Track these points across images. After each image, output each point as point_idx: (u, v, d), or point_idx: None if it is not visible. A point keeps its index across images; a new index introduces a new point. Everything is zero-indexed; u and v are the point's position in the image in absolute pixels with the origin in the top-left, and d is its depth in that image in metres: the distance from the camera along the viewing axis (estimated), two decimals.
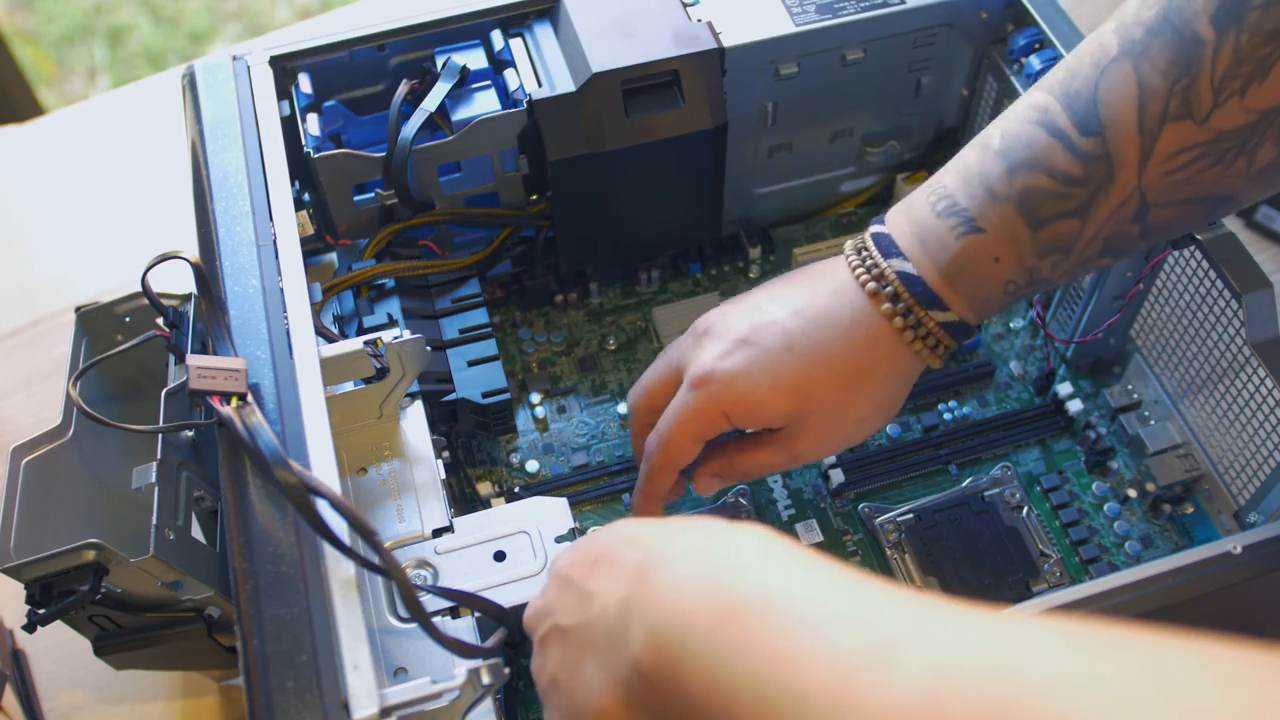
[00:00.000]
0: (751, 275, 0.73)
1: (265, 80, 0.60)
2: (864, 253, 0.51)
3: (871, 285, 0.50)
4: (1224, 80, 0.43)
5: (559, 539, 0.50)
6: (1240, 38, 0.42)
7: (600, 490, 0.63)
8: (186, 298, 0.55)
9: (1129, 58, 0.44)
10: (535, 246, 0.68)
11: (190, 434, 0.54)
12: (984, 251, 0.48)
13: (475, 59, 0.63)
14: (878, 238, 0.51)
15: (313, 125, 0.61)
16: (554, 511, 0.51)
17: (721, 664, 0.33)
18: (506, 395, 0.59)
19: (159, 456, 0.50)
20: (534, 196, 0.66)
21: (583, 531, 0.61)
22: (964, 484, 0.63)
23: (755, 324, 0.51)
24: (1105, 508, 0.62)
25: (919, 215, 0.50)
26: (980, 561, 0.59)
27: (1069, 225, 0.47)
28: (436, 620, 0.44)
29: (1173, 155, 0.44)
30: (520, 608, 0.48)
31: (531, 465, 0.64)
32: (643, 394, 0.56)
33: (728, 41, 0.62)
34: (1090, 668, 0.27)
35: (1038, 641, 0.29)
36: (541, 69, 0.63)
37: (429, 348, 0.52)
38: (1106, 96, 0.45)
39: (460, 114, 0.61)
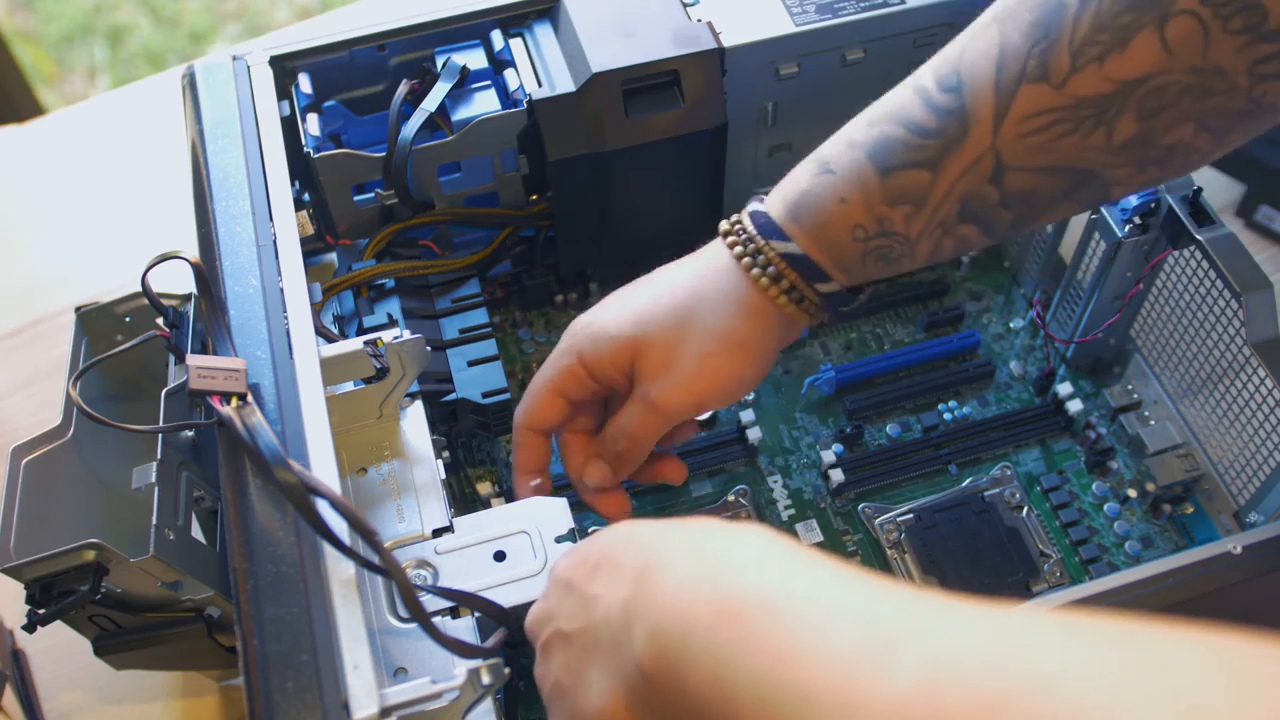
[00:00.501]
0: None
1: (265, 80, 0.60)
2: (743, 234, 0.51)
3: (724, 227, 0.52)
4: (1083, 45, 0.42)
5: (559, 539, 0.50)
6: (1102, 4, 0.42)
7: None
8: (186, 298, 0.55)
9: (997, 21, 0.45)
10: (535, 246, 0.68)
11: (190, 434, 0.54)
12: (832, 191, 0.48)
13: (475, 59, 0.63)
14: (756, 216, 0.51)
15: (313, 125, 0.61)
16: (554, 511, 0.51)
17: (723, 662, 0.33)
18: (506, 395, 0.59)
19: (159, 456, 0.50)
20: (534, 196, 0.66)
21: (583, 532, 0.61)
22: (964, 484, 0.63)
23: (621, 293, 0.54)
24: (1105, 508, 0.62)
25: (796, 188, 0.50)
26: (980, 561, 0.59)
27: (919, 175, 0.47)
28: (436, 620, 0.44)
29: (1028, 117, 0.44)
30: (520, 608, 0.48)
31: None
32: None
33: (728, 41, 0.62)
34: (1091, 661, 0.27)
35: (1038, 635, 0.29)
36: (541, 69, 0.63)
37: (429, 348, 0.52)
38: (968, 55, 0.45)
39: (460, 114, 0.61)
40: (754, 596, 0.34)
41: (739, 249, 0.50)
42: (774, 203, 0.51)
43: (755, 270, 0.50)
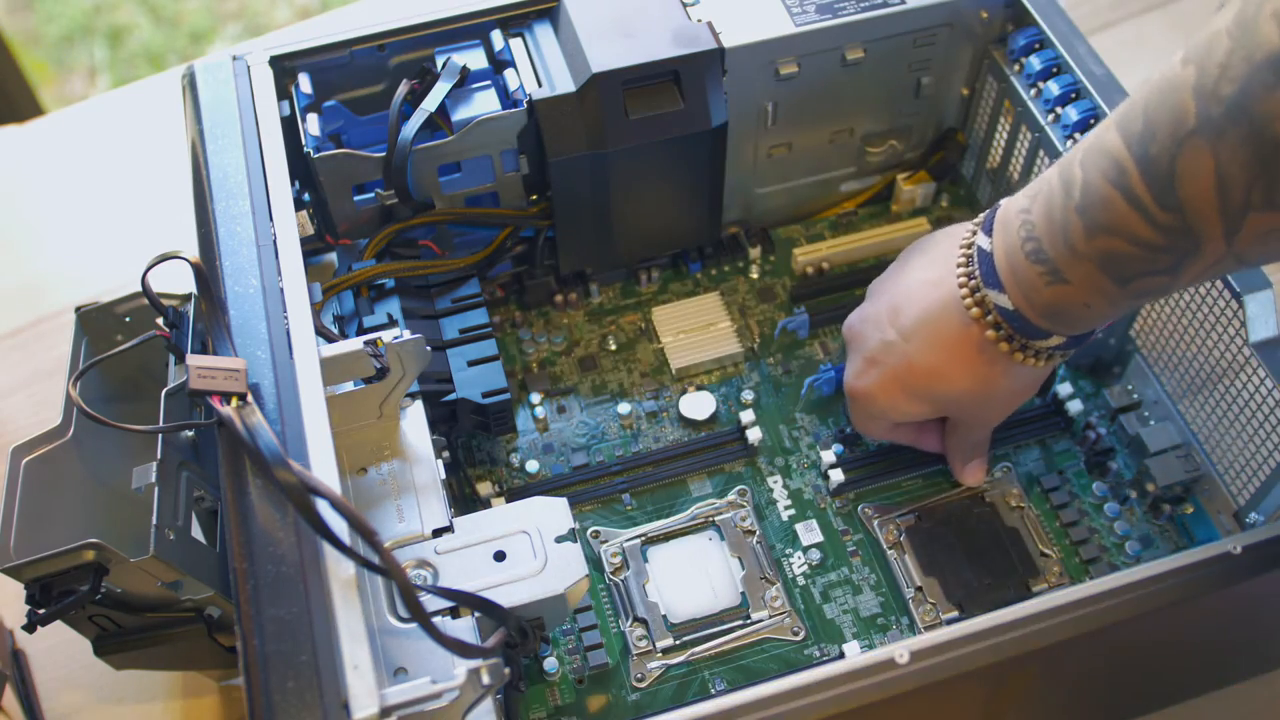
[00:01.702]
0: (752, 275, 0.73)
1: (265, 80, 0.60)
2: (970, 266, 0.52)
3: (975, 310, 0.52)
4: None
5: (559, 539, 0.50)
6: None
7: (600, 490, 0.63)
8: (186, 298, 0.55)
9: (1206, 138, 0.40)
10: (535, 246, 0.68)
11: (190, 434, 0.54)
12: (1074, 299, 0.48)
13: (475, 59, 0.63)
14: (981, 256, 0.51)
15: (313, 125, 0.61)
16: (554, 511, 0.51)
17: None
18: (506, 395, 0.59)
19: (159, 456, 0.50)
20: (534, 196, 0.66)
21: (583, 532, 0.61)
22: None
23: (880, 344, 0.56)
24: (1105, 508, 0.62)
25: (1011, 246, 0.49)
26: (980, 561, 0.59)
27: (1159, 280, 0.46)
28: (436, 620, 0.44)
29: (1261, 235, 0.42)
30: (519, 608, 0.48)
31: (531, 465, 0.64)
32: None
33: (728, 41, 0.62)
34: None
35: None
36: (541, 69, 0.63)
37: (429, 348, 0.52)
38: (1184, 174, 0.41)
39: (460, 114, 0.61)
40: None
41: (1003, 344, 0.52)
42: (1020, 301, 0.50)
43: (1030, 360, 0.52)
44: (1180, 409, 0.60)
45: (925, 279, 0.55)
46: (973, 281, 0.52)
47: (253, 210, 0.54)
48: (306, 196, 0.63)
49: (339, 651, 0.40)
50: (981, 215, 0.53)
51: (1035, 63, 0.63)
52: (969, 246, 0.53)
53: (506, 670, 0.42)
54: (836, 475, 0.62)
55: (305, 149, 0.60)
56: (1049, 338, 0.51)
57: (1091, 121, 0.60)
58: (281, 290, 0.51)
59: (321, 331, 0.54)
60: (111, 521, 0.52)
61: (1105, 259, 0.46)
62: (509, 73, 0.63)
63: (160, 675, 0.63)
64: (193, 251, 0.51)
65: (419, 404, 0.55)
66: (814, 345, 0.69)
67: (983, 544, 0.60)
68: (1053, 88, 0.62)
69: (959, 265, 0.53)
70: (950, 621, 0.57)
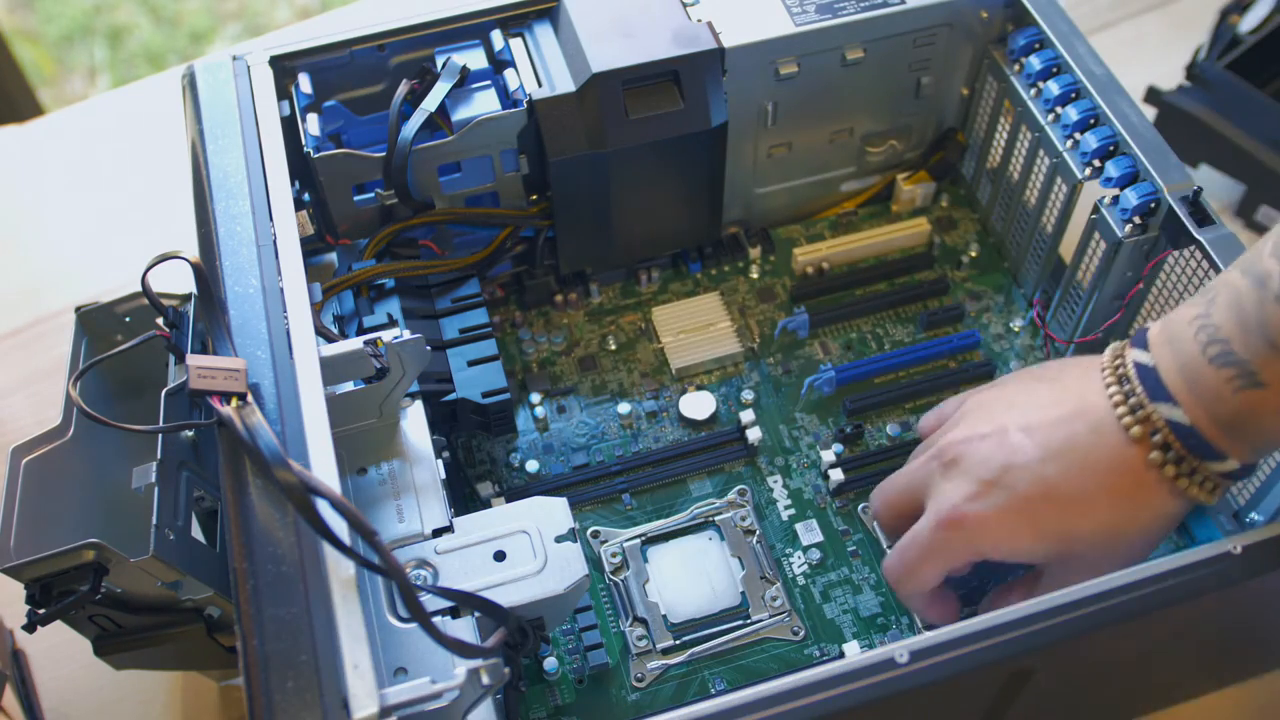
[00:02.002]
0: (752, 275, 0.73)
1: (265, 80, 0.60)
2: (1126, 384, 0.47)
3: (1137, 430, 0.46)
4: None
5: (559, 539, 0.50)
6: None
7: (600, 490, 0.63)
8: (186, 298, 0.55)
9: None
10: (535, 246, 0.68)
11: (190, 434, 0.54)
12: (1269, 406, 0.43)
13: (475, 59, 0.63)
14: (1142, 371, 0.46)
15: (313, 125, 0.61)
16: (554, 511, 0.51)
17: None
18: (506, 395, 0.59)
19: (159, 456, 0.50)
20: (534, 196, 0.66)
21: (583, 532, 0.61)
22: None
23: (1007, 464, 0.48)
24: None
25: (1187, 354, 0.45)
26: (980, 561, 0.59)
27: None
28: (436, 620, 0.44)
29: None
30: (519, 608, 0.48)
31: (531, 465, 0.64)
32: (885, 508, 0.55)
33: (728, 41, 0.62)
34: None
35: None
36: (541, 69, 0.63)
37: (429, 348, 0.52)
38: None
39: (460, 114, 0.61)
40: None
41: (1169, 468, 0.46)
42: (1196, 414, 0.45)
43: (1193, 489, 0.46)
44: None
45: (1058, 402, 0.49)
46: (1133, 399, 0.46)
47: (253, 210, 0.54)
48: (306, 196, 0.63)
49: (339, 651, 0.40)
50: (1118, 343, 0.49)
51: (1035, 63, 0.63)
52: (1119, 367, 0.47)
53: (506, 670, 0.42)
54: (836, 475, 0.62)
55: (305, 149, 0.60)
56: (1224, 460, 0.45)
57: (1092, 121, 0.60)
58: (281, 290, 0.51)
59: (321, 331, 0.54)
60: (111, 521, 0.52)
61: None
62: (509, 73, 0.63)
63: (160, 675, 0.63)
64: (193, 251, 0.51)
65: (419, 404, 0.55)
66: (814, 345, 0.69)
67: None
68: (1053, 88, 0.62)
69: (1108, 386, 0.47)
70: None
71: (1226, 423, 0.45)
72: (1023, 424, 0.49)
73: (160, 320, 0.53)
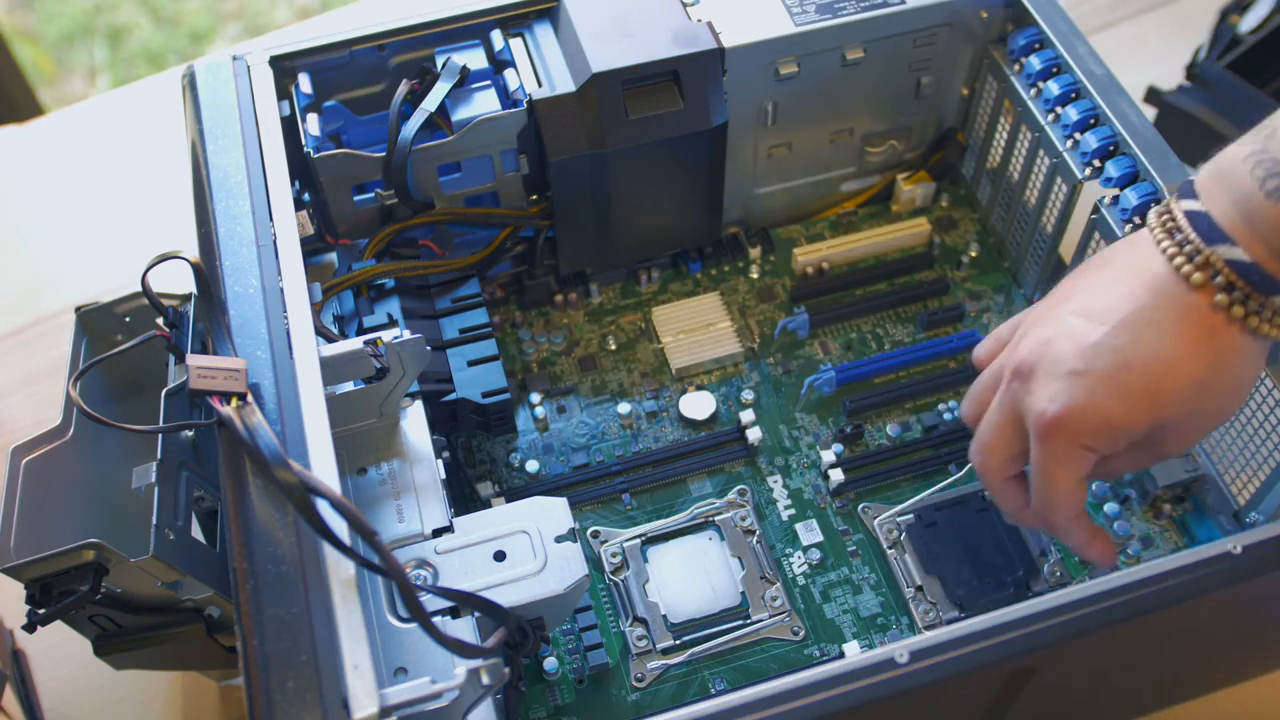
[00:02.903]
0: (752, 275, 0.73)
1: (265, 80, 0.60)
2: (1178, 234, 0.46)
3: (1198, 276, 0.45)
4: None
5: (559, 539, 0.50)
6: None
7: (600, 490, 0.63)
8: (186, 298, 0.55)
9: None
10: (535, 246, 0.68)
11: (190, 434, 0.54)
12: None
13: (475, 59, 0.63)
14: (1194, 217, 0.46)
15: (313, 125, 0.61)
16: (554, 511, 0.51)
17: None
18: (506, 395, 0.59)
19: (159, 456, 0.50)
20: (534, 196, 0.66)
21: (583, 532, 0.61)
22: (966, 483, 0.62)
23: (1081, 350, 0.47)
24: (1105, 508, 0.62)
25: (1242, 190, 0.44)
26: (980, 561, 0.59)
27: None
28: (436, 620, 0.44)
29: None
30: (519, 608, 0.48)
31: (531, 465, 0.64)
32: (996, 461, 0.52)
33: (728, 41, 0.62)
34: None
35: None
36: (541, 69, 0.63)
37: (429, 348, 0.52)
38: None
39: (460, 114, 0.61)
40: None
41: (1237, 308, 0.45)
42: (1256, 248, 0.44)
43: (1265, 326, 0.45)
44: None
45: (1113, 280, 0.48)
46: (1188, 247, 0.45)
47: (253, 210, 0.54)
48: (306, 196, 0.63)
49: (339, 651, 0.40)
50: (1161, 203, 0.48)
51: (1035, 63, 0.63)
52: (1167, 223, 0.47)
53: (506, 670, 0.42)
54: (836, 475, 0.62)
55: (305, 149, 0.60)
56: None
57: (1092, 121, 0.60)
58: (281, 290, 0.51)
59: (321, 331, 0.54)
60: (111, 521, 0.52)
61: None
62: (509, 73, 0.63)
63: (160, 675, 0.63)
64: (193, 251, 0.51)
65: (419, 404, 0.55)
66: (814, 345, 0.69)
67: (983, 544, 0.60)
68: (1053, 88, 0.62)
69: (1160, 243, 0.47)
70: (950, 621, 0.57)
71: None
72: (1084, 311, 0.48)
73: (160, 320, 0.53)
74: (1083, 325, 0.48)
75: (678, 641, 0.58)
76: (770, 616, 0.58)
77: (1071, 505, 0.50)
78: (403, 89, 0.62)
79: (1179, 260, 0.46)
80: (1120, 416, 0.47)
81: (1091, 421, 0.47)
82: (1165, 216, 0.47)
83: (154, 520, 0.48)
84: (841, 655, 0.57)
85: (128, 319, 0.59)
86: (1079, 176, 0.61)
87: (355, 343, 0.50)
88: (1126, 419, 0.47)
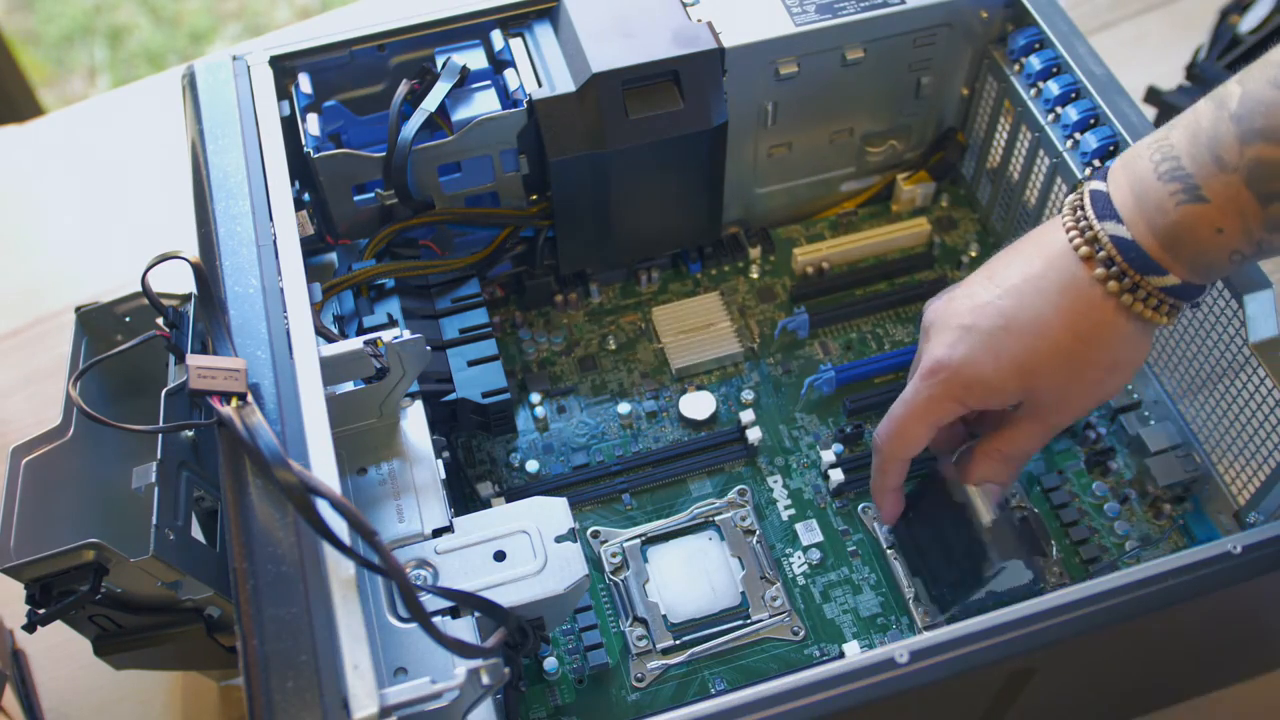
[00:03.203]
0: (752, 275, 0.73)
1: (265, 80, 0.60)
2: (1079, 212, 0.49)
3: (1084, 249, 0.48)
4: None
5: (559, 539, 0.50)
6: None
7: (600, 490, 0.63)
8: (186, 298, 0.55)
9: None
10: (535, 246, 0.68)
11: (190, 434, 0.54)
12: (1206, 221, 0.45)
13: (475, 59, 0.63)
14: (1095, 196, 0.49)
15: (313, 125, 0.61)
16: (554, 511, 0.51)
17: None
18: (506, 395, 0.59)
19: (159, 456, 0.50)
20: (534, 196, 0.66)
21: (583, 532, 0.61)
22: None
23: (974, 306, 0.51)
24: (1105, 508, 0.62)
25: (1139, 172, 0.47)
26: (951, 554, 0.59)
27: None
28: (436, 620, 0.44)
29: None
30: (519, 608, 0.48)
31: (531, 465, 0.64)
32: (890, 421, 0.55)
33: (728, 41, 0.62)
34: None
35: None
36: (541, 69, 0.63)
37: (429, 348, 0.52)
38: None
39: (460, 114, 0.61)
40: None
41: (1113, 283, 0.48)
42: (1139, 228, 0.47)
43: (1138, 305, 0.48)
44: (1180, 409, 0.60)
45: (1019, 250, 0.52)
46: (1082, 223, 0.49)
47: (253, 210, 0.54)
48: (306, 196, 0.63)
49: (339, 651, 0.40)
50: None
51: (1035, 63, 0.63)
52: (1074, 200, 0.50)
53: (506, 670, 0.42)
54: (836, 475, 0.62)
55: (305, 149, 0.60)
56: (1163, 275, 0.47)
57: (1092, 121, 0.60)
58: (281, 290, 0.51)
59: (321, 331, 0.54)
60: (111, 521, 0.52)
61: (1255, 169, 0.43)
62: (509, 73, 0.63)
63: (160, 675, 0.63)
64: (193, 251, 0.51)
65: (419, 404, 0.55)
66: (814, 345, 0.69)
67: (951, 532, 0.60)
68: (1053, 88, 0.62)
69: (1064, 220, 0.50)
70: (950, 621, 0.57)
71: (1166, 235, 0.46)
72: (988, 274, 0.52)
73: (160, 320, 0.53)
74: (981, 287, 0.52)
75: (678, 641, 0.58)
76: (770, 616, 0.58)
77: (908, 445, 0.53)
78: (403, 89, 0.62)
79: (1073, 234, 0.49)
80: (992, 375, 0.50)
81: (965, 375, 0.51)
82: (1075, 197, 0.50)
83: (154, 520, 0.48)
84: (841, 655, 0.57)
85: (128, 319, 0.59)
86: (1079, 176, 0.61)
87: (355, 343, 0.50)
88: (998, 378, 0.50)
